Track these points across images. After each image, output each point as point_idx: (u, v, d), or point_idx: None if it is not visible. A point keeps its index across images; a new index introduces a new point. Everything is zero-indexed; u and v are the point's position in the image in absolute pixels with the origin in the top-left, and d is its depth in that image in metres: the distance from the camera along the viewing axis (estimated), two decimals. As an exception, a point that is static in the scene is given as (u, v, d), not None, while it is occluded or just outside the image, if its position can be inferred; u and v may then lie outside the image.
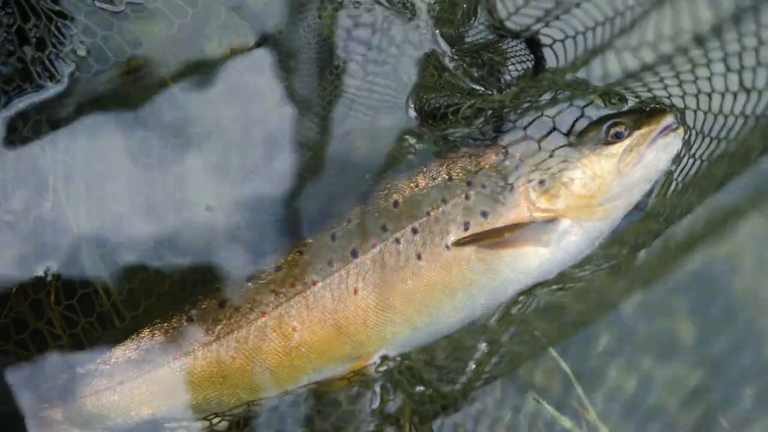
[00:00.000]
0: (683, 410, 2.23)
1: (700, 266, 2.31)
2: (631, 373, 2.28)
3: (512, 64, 2.38)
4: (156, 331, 2.28)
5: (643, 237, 2.17)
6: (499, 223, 2.17)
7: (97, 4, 2.38)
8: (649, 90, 2.16)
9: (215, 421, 2.18)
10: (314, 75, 2.45)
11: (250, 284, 2.27)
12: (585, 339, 2.28)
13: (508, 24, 2.31)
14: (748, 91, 2.01)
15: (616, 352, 2.28)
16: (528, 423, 2.24)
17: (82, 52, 2.39)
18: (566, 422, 2.21)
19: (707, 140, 2.15)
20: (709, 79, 2.05)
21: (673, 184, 2.22)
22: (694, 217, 2.24)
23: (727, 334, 2.26)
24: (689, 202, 2.13)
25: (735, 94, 2.04)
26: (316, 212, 2.34)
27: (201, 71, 2.43)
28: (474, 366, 2.18)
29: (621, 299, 2.27)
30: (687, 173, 2.19)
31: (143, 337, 2.27)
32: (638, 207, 2.25)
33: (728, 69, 2.00)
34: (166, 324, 2.28)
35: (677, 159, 2.20)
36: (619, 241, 2.21)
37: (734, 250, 2.30)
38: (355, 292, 2.19)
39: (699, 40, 2.06)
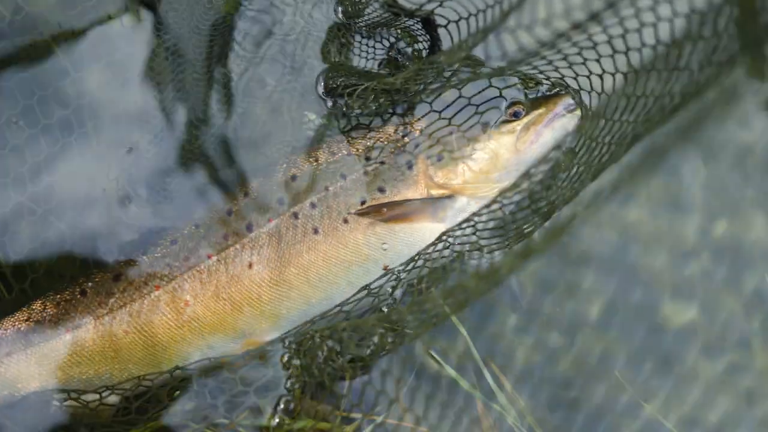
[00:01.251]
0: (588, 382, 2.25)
1: (595, 241, 2.33)
2: (532, 346, 2.29)
3: (408, 44, 2.39)
4: (48, 304, 2.23)
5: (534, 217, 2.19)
6: (397, 198, 2.17)
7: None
8: (547, 64, 2.16)
9: (105, 394, 2.13)
10: (214, 51, 2.42)
11: (144, 258, 2.24)
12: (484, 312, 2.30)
13: (403, 2, 2.30)
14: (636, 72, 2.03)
15: (521, 328, 2.29)
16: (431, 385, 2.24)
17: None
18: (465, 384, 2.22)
19: (602, 121, 2.17)
20: (598, 61, 2.06)
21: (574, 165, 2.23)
22: (591, 193, 2.28)
23: (625, 308, 2.29)
24: (582, 180, 2.15)
25: (626, 75, 2.06)
26: (213, 187, 2.31)
27: (89, 42, 2.39)
28: (376, 339, 2.17)
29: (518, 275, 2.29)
30: (584, 152, 2.21)
31: (34, 309, 2.22)
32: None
33: (615, 51, 2.01)
34: (58, 296, 2.23)
35: (574, 138, 2.21)
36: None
37: (630, 224, 2.34)
38: (250, 266, 2.18)
39: (594, 17, 2.07)
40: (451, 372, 2.21)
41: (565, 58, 2.09)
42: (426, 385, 2.25)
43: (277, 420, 2.10)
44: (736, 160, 2.37)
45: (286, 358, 2.12)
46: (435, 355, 2.23)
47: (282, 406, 2.10)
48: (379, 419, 2.19)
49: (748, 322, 2.29)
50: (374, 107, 2.30)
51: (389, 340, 2.15)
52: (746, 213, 2.36)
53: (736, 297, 2.30)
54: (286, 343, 2.14)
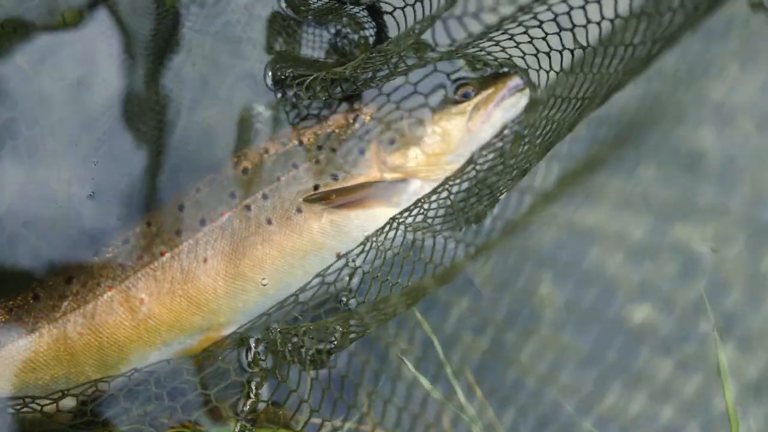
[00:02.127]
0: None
1: (557, 237, 2.33)
2: (488, 343, 2.28)
3: (354, 31, 2.37)
4: (0, 311, 2.18)
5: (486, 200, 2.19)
6: (350, 184, 2.16)
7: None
8: (494, 45, 2.16)
9: (60, 399, 2.08)
10: (157, 46, 2.38)
11: (96, 258, 2.20)
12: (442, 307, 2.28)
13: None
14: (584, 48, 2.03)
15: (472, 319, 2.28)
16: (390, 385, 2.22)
17: None
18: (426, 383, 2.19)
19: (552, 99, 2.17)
20: (545, 38, 2.07)
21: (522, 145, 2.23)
22: (549, 185, 2.27)
23: (582, 308, 2.28)
24: (530, 159, 2.15)
25: (572, 52, 2.06)
26: (164, 185, 2.27)
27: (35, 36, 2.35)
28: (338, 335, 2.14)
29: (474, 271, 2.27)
30: (534, 133, 2.21)
31: (-15, 316, 2.18)
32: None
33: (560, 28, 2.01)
34: (11, 302, 2.19)
35: (523, 118, 2.21)
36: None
37: (593, 221, 2.33)
38: (205, 261, 2.15)
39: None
40: (414, 372, 2.18)
41: (511, 38, 2.09)
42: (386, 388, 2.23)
43: (238, 428, 2.06)
44: (689, 162, 2.38)
45: (249, 358, 2.09)
46: (404, 359, 2.21)
47: (246, 408, 2.07)
48: (341, 425, 2.16)
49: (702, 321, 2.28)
50: (323, 97, 2.28)
51: (351, 336, 2.13)
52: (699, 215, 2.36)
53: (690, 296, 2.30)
54: (249, 344, 2.11)
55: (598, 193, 2.34)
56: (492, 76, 2.22)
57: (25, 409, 2.09)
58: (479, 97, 2.19)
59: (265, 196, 2.17)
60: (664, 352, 2.23)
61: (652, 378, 2.20)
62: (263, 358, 2.08)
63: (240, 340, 2.11)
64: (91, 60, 2.34)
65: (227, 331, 2.17)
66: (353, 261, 2.14)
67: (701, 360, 2.19)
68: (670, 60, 2.27)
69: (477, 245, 2.22)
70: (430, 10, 2.16)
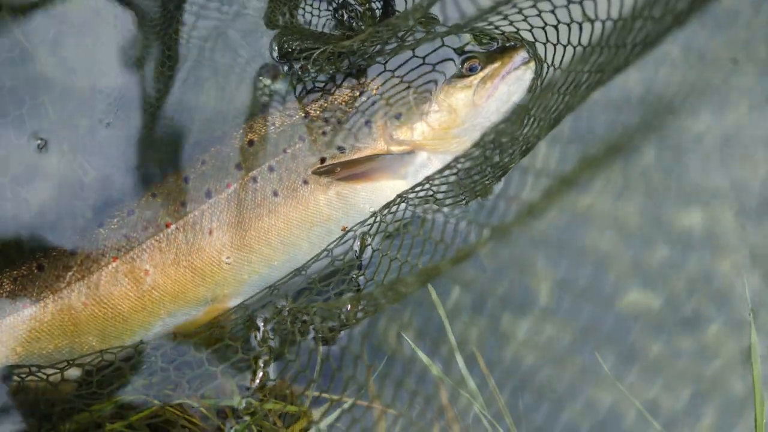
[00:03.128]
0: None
1: (555, 222, 2.33)
2: (490, 329, 2.27)
3: (360, 3, 2.36)
4: (5, 281, 2.18)
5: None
6: (356, 157, 2.15)
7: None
8: (502, 19, 2.15)
9: (66, 368, 2.08)
10: (164, 19, 2.37)
11: (101, 230, 2.19)
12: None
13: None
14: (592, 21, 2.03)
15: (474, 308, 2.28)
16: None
17: None
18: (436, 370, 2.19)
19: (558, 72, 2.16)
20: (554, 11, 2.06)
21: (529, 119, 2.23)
22: (552, 173, 2.28)
23: (578, 291, 2.28)
24: (537, 134, 2.15)
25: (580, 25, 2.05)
26: (170, 157, 2.27)
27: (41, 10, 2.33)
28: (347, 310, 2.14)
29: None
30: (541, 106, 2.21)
31: (-9, 286, 2.17)
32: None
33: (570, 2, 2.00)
34: (15, 272, 2.18)
35: (530, 92, 2.21)
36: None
37: (590, 206, 2.34)
38: (210, 232, 2.14)
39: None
40: (423, 357, 2.18)
41: (520, 11, 2.08)
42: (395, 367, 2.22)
43: (244, 402, 2.07)
44: (690, 147, 2.39)
45: (258, 337, 2.08)
46: (408, 339, 2.20)
47: (256, 384, 2.07)
48: (348, 402, 2.16)
49: (697, 304, 2.29)
50: (330, 70, 2.27)
51: (359, 316, 2.13)
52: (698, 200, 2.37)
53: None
54: (257, 324, 2.10)
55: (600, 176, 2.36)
56: (498, 50, 2.21)
57: (30, 378, 2.08)
58: (486, 71, 2.18)
59: (271, 168, 2.16)
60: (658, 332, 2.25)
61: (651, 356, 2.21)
62: (272, 336, 2.08)
63: (248, 318, 2.10)
64: (99, 32, 2.33)
65: (232, 303, 2.17)
66: (364, 236, 2.14)
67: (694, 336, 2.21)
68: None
69: (491, 226, 2.22)
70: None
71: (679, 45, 2.41)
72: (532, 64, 2.18)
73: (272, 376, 2.10)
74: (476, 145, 2.16)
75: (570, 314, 2.25)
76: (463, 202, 2.17)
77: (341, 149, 2.17)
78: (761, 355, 2.14)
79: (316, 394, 2.14)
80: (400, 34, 2.20)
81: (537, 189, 2.32)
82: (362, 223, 2.14)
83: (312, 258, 2.14)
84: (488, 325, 2.26)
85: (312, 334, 2.10)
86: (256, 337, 2.08)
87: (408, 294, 2.23)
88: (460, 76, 2.18)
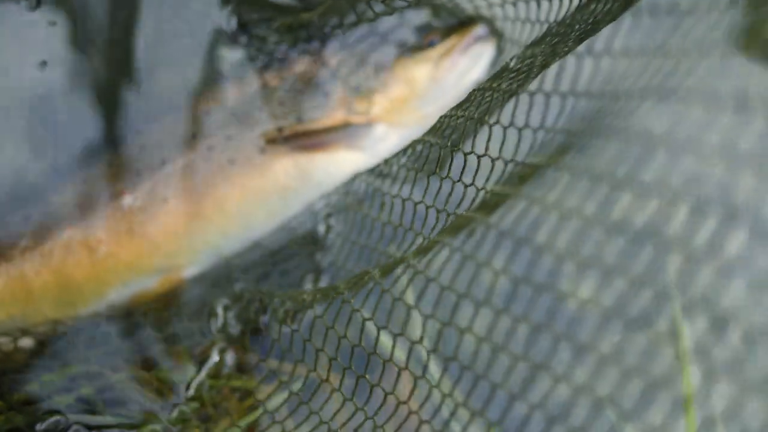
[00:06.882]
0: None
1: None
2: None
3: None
4: (-44, 248, 2.15)
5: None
6: (314, 127, 2.15)
7: None
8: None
9: (20, 337, 2.06)
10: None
11: (55, 197, 2.17)
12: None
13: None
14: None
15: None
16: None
17: None
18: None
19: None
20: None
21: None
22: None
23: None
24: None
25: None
26: (125, 125, 2.24)
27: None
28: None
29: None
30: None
31: (-61, 253, 2.13)
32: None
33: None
34: None
35: (490, 69, 2.22)
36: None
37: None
38: (165, 201, 2.13)
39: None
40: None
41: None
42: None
43: (202, 375, 2.06)
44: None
45: (218, 324, 2.07)
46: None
47: (215, 358, 2.05)
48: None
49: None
50: (289, 41, 2.26)
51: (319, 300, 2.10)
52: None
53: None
54: (215, 308, 2.08)
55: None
56: (457, 25, 2.23)
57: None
58: (444, 45, 2.19)
59: (228, 137, 2.16)
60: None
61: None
62: (232, 323, 2.07)
63: (207, 303, 2.09)
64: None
65: (187, 273, 2.16)
66: (326, 217, 2.14)
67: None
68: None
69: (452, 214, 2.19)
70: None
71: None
72: (492, 41, 2.20)
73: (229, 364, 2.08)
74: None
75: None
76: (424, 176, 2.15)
77: (299, 119, 2.17)
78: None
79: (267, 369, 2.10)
80: (359, 9, 2.21)
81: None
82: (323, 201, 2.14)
83: (269, 231, 2.14)
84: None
85: (268, 314, 2.08)
86: (214, 321, 2.07)
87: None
88: (420, 48, 2.19)
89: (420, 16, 2.26)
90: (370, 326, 1.60)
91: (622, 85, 1.32)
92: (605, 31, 1.45)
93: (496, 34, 2.22)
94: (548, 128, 1.52)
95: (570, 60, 1.51)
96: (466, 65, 2.19)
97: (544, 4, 2.07)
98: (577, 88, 1.49)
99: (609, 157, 1.17)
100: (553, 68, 1.56)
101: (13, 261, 2.12)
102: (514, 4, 2.13)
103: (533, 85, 1.60)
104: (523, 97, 1.61)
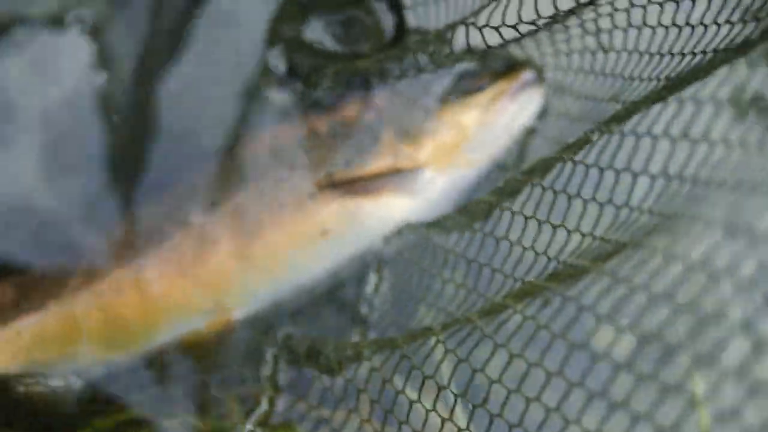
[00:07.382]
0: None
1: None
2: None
3: (374, 22, 2.37)
4: (8, 288, 2.17)
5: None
6: (362, 173, 2.17)
7: None
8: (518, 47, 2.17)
9: (72, 380, 2.08)
10: (154, 31, 2.36)
11: (105, 236, 2.19)
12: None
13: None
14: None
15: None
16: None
17: None
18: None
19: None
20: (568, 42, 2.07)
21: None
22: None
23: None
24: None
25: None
26: (175, 166, 2.26)
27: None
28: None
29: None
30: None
31: (-7, 292, 2.16)
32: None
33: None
34: (17, 279, 2.17)
35: (540, 115, 2.23)
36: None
37: None
38: (215, 243, 2.15)
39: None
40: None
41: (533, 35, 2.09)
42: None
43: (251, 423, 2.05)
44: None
45: (267, 372, 2.07)
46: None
47: (264, 406, 2.05)
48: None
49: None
50: (338, 87, 2.28)
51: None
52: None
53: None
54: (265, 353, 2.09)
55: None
56: (506, 70, 2.23)
57: (35, 387, 2.07)
58: (493, 89, 2.20)
59: (278, 181, 2.17)
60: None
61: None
62: (281, 370, 2.08)
63: (256, 347, 2.09)
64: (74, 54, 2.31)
65: (236, 315, 2.17)
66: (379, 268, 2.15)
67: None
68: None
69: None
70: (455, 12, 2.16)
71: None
72: (541, 87, 2.20)
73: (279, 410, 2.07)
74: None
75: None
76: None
77: (348, 164, 2.18)
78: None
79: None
80: (408, 60, 2.23)
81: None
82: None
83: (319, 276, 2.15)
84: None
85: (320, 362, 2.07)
86: (264, 367, 2.08)
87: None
88: (468, 93, 2.20)
89: (470, 61, 2.27)
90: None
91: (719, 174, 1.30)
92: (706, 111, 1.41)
93: (544, 80, 2.23)
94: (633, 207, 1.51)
95: (663, 142, 1.48)
96: (515, 110, 2.20)
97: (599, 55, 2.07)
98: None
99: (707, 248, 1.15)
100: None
101: (63, 300, 2.14)
102: (568, 55, 2.13)
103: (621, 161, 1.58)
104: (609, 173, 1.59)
